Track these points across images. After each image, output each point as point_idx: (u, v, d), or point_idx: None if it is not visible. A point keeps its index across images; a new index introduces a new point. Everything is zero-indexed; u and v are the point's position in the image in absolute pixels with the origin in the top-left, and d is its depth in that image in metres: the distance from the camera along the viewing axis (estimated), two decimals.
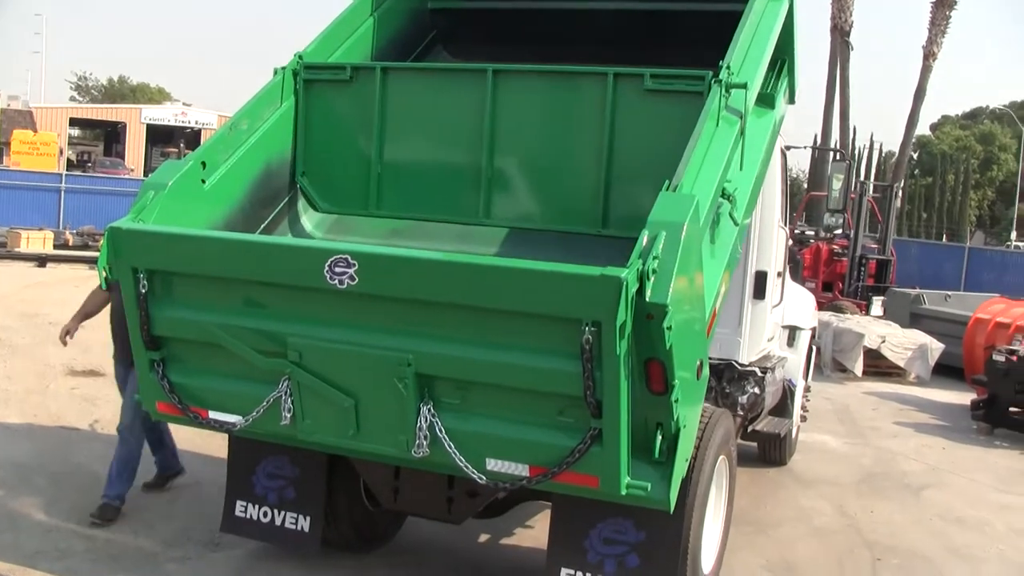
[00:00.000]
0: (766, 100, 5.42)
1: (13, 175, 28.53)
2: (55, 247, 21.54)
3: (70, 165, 44.03)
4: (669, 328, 3.62)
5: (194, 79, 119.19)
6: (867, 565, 6.25)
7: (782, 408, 7.75)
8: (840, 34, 32.25)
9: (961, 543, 6.82)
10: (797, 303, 8.16)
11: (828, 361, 13.50)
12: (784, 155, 7.18)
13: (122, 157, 48.46)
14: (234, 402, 4.40)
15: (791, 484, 7.97)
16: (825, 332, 13.35)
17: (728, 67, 4.55)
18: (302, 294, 4.09)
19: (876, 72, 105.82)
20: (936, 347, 13.56)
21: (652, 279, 3.58)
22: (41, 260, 19.75)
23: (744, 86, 4.61)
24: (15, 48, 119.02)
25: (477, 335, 3.87)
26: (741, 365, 6.60)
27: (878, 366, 13.50)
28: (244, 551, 5.56)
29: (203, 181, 4.77)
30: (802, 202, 26.76)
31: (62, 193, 26.77)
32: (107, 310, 6.12)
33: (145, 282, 4.29)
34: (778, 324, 7.51)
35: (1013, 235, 48.18)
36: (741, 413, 6.64)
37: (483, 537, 6.16)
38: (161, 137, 52.33)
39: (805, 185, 44.37)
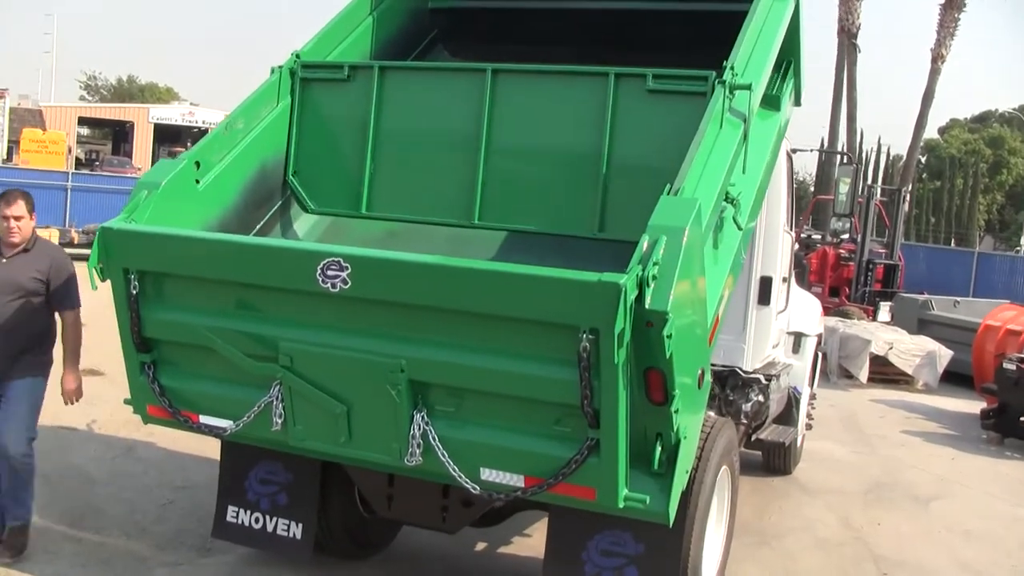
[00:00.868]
0: (771, 102, 5.32)
1: (21, 173, 28.55)
2: (60, 245, 21.50)
3: (79, 164, 44.10)
4: (669, 336, 3.52)
5: (202, 79, 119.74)
6: None
7: (787, 416, 7.65)
8: (847, 36, 32.16)
9: (971, 557, 6.69)
10: (803, 309, 8.06)
11: (834, 368, 13.38)
12: (790, 158, 7.06)
13: (130, 156, 48.59)
14: (225, 406, 4.33)
15: (796, 494, 7.85)
16: (831, 338, 13.24)
17: (732, 68, 4.45)
18: (294, 297, 4.01)
19: (884, 75, 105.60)
20: (945, 354, 13.43)
21: (652, 285, 3.48)
22: None
23: (748, 87, 4.51)
24: (26, 48, 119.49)
25: (472, 341, 3.78)
26: (745, 372, 6.50)
27: (885, 373, 13.37)
28: (236, 556, 5.47)
29: (197, 181, 4.69)
30: (809, 206, 26.65)
31: (68, 191, 26.80)
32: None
33: (136, 283, 4.22)
34: (783, 330, 7.40)
35: (1023, 240, 47.94)
36: (745, 421, 6.54)
37: (480, 546, 6.06)
38: (169, 136, 52.58)
39: (812, 189, 44.17)
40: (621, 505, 3.79)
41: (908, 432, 10.68)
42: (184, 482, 6.66)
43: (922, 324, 15.07)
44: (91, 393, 8.80)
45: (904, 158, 38.89)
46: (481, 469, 3.93)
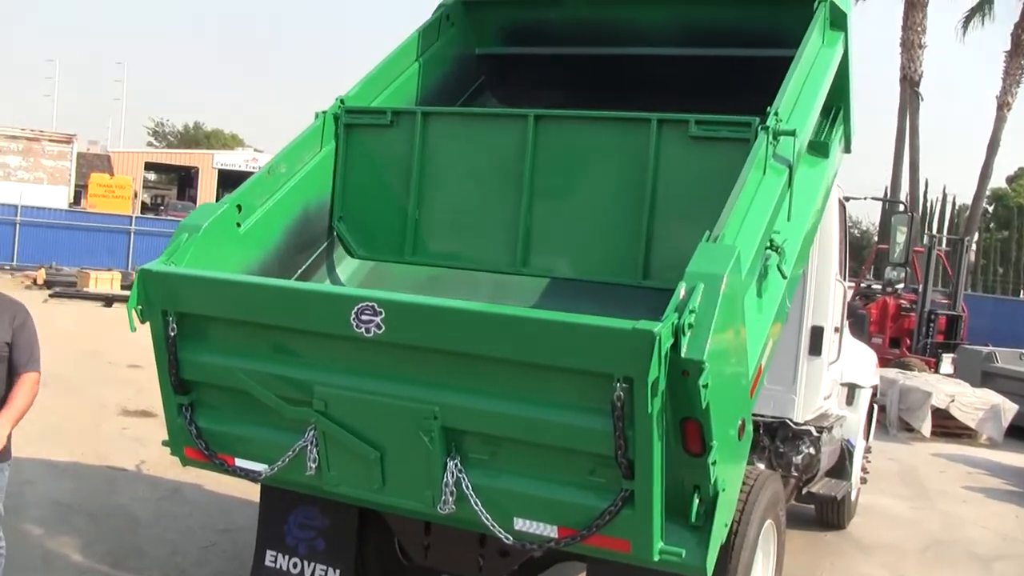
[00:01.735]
0: (819, 148, 5.22)
1: (86, 217, 29.41)
2: (122, 287, 22.02)
3: (144, 208, 45.29)
4: (705, 386, 3.42)
5: (267, 127, 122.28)
6: None
7: (840, 469, 7.42)
8: (909, 84, 31.87)
9: None
10: (857, 360, 7.86)
11: (894, 420, 13.02)
12: (843, 206, 6.93)
13: (194, 201, 49.68)
14: (260, 450, 4.31)
15: (850, 550, 7.60)
16: (891, 390, 12.91)
17: (776, 113, 4.39)
18: (328, 341, 4.00)
19: (949, 123, 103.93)
20: (1009, 408, 13.02)
21: (688, 334, 3.39)
22: (108, 300, 20.18)
23: (792, 133, 4.43)
24: (97, 95, 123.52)
25: (505, 388, 3.72)
26: (796, 424, 6.33)
27: (947, 426, 12.99)
28: None
29: (239, 224, 4.73)
30: (870, 255, 26.17)
31: (131, 235, 27.47)
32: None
33: (174, 325, 4.25)
34: (836, 381, 7.21)
35: None
36: (795, 474, 6.36)
37: None
38: (233, 182, 53.52)
39: (875, 239, 43.47)
40: (656, 558, 3.68)
41: (970, 488, 10.32)
42: (227, 525, 6.66)
43: (986, 377, 14.68)
44: (142, 434, 9.02)
45: (969, 207, 38.21)
46: (515, 519, 3.85)
